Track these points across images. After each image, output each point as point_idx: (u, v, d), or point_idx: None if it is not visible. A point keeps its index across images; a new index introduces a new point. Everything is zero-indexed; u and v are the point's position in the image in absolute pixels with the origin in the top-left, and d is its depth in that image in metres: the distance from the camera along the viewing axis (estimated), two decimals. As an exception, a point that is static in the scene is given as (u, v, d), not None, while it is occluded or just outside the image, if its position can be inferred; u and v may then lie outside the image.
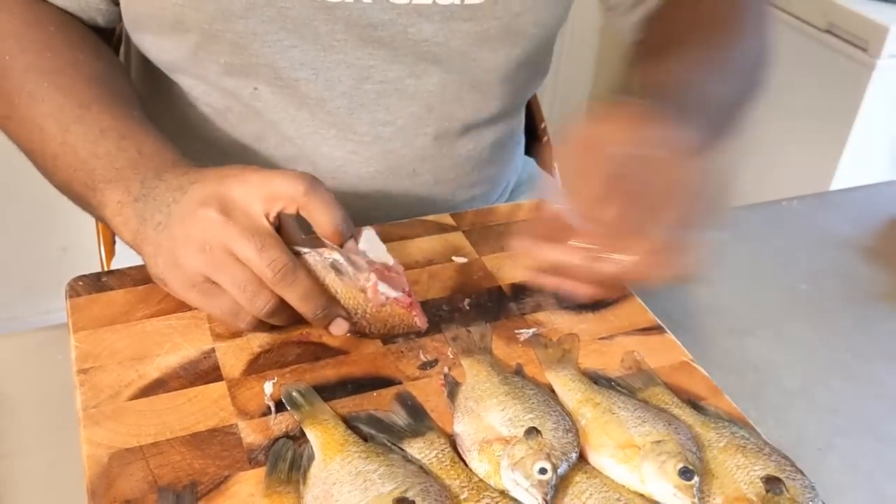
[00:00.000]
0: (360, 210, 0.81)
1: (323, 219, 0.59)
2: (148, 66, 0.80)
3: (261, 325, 0.61)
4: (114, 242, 1.01)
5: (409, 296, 0.61)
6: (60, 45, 0.72)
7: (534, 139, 1.14)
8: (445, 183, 0.84)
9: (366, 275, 0.60)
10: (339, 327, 0.61)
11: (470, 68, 0.77)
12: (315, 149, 0.78)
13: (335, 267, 0.60)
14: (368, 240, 0.62)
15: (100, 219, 0.67)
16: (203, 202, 0.58)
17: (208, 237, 0.57)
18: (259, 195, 0.58)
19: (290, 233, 0.61)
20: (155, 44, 0.76)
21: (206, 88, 0.77)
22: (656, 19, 0.84)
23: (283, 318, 0.60)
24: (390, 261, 0.62)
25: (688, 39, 0.77)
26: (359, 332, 0.62)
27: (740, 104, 0.75)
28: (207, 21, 0.70)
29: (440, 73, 0.77)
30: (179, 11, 0.70)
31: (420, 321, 0.62)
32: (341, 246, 0.60)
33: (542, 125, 1.16)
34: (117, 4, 0.76)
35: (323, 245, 0.60)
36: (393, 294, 0.60)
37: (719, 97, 0.72)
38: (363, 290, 0.60)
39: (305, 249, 0.60)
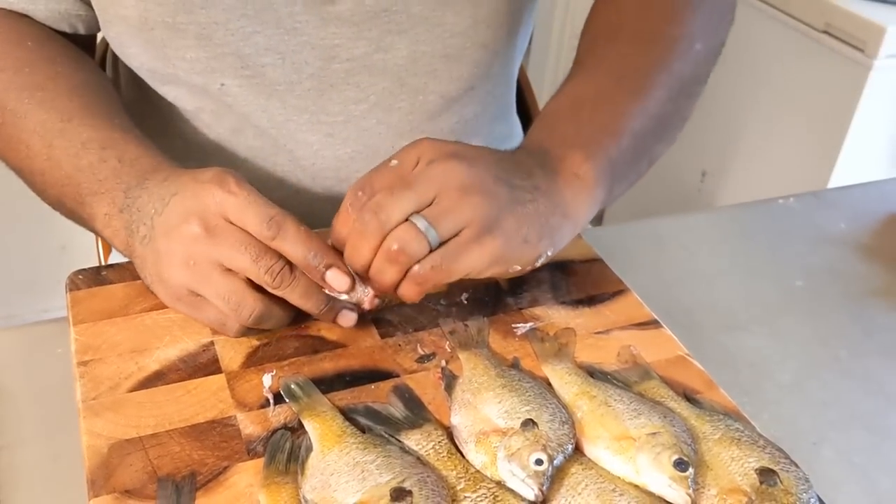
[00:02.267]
0: (344, 192, 0.81)
1: (293, 257, 0.59)
2: (132, 75, 0.80)
3: (249, 331, 0.62)
4: (112, 239, 1.02)
5: None
6: (39, 60, 0.73)
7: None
8: None
9: (363, 288, 0.61)
10: (347, 319, 0.62)
11: (438, 35, 0.76)
12: (290, 136, 0.78)
13: None
14: None
15: (92, 231, 0.68)
16: (184, 218, 0.59)
17: (192, 252, 0.58)
18: (234, 219, 0.59)
19: None
20: (127, 48, 0.76)
21: (179, 91, 0.77)
22: (595, 18, 0.80)
23: (271, 324, 0.61)
24: None
25: (615, 61, 0.73)
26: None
27: (653, 144, 0.72)
28: (170, 14, 0.70)
29: (408, 44, 0.76)
30: (143, 8, 0.70)
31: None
32: (319, 278, 0.60)
33: (540, 124, 1.16)
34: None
35: None
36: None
37: (620, 145, 0.68)
38: (360, 303, 0.61)
39: None
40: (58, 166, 0.67)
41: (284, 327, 0.63)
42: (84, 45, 0.79)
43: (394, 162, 0.60)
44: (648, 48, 0.73)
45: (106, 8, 0.73)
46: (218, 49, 0.72)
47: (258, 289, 0.59)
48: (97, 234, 0.67)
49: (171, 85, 0.77)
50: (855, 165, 1.56)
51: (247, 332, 0.62)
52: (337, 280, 0.59)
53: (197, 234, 0.58)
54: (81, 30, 0.77)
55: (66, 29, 0.76)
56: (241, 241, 0.58)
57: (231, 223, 0.58)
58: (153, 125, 0.72)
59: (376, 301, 0.61)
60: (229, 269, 0.59)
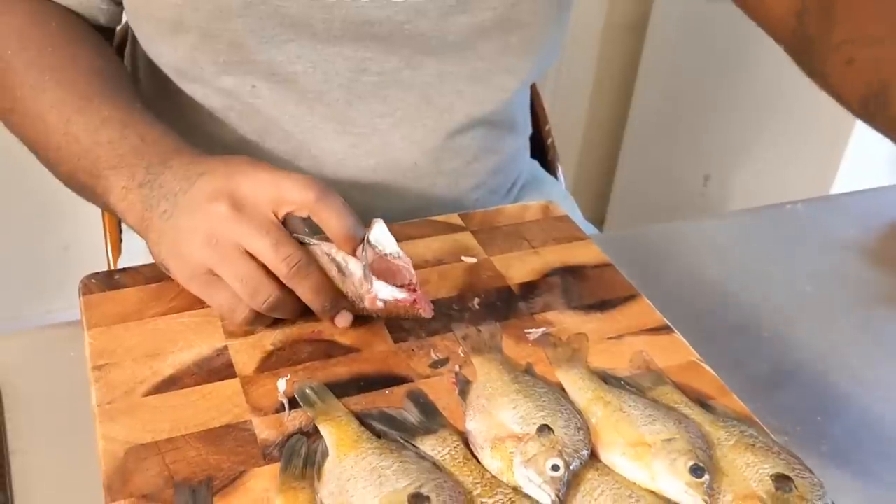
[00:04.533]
0: (364, 202, 0.81)
1: (335, 225, 0.60)
2: (153, 69, 0.81)
3: (256, 321, 0.62)
4: (120, 241, 1.02)
5: (414, 290, 0.62)
6: (62, 41, 0.73)
7: (538, 142, 1.15)
8: (448, 174, 0.84)
9: (367, 286, 0.61)
10: (345, 319, 0.63)
11: (466, 58, 0.78)
12: (315, 143, 0.79)
13: (339, 268, 0.61)
14: (379, 231, 0.62)
15: (104, 206, 0.68)
16: (213, 196, 0.59)
17: (217, 231, 0.58)
18: (269, 195, 0.59)
19: (294, 227, 0.61)
20: (154, 46, 0.77)
21: (205, 90, 0.78)
22: None
23: (283, 312, 0.62)
24: (399, 252, 0.62)
25: None
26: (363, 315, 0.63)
27: None
28: (205, 21, 0.70)
29: (437, 63, 0.77)
30: (178, 12, 0.70)
31: (425, 312, 0.62)
32: (353, 251, 0.61)
33: (547, 128, 1.17)
34: (119, 4, 0.77)
35: (328, 240, 0.61)
36: (393, 297, 0.60)
37: None
38: (361, 299, 0.61)
39: (312, 241, 0.61)
40: (75, 141, 0.67)
41: (296, 330, 0.63)
42: (104, 33, 0.79)
43: None
44: None
45: (137, 7, 0.73)
46: (250, 55, 0.73)
47: (275, 276, 0.59)
48: (109, 208, 0.67)
49: (199, 84, 0.77)
50: (858, 170, 1.56)
51: (252, 321, 0.61)
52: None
53: (224, 212, 0.58)
54: (102, 21, 0.78)
55: (86, 18, 0.77)
56: (264, 225, 0.58)
57: (261, 205, 0.59)
58: (173, 121, 0.72)
59: (378, 304, 0.61)
60: (250, 253, 0.59)
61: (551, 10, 0.79)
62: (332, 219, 0.59)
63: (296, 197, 0.59)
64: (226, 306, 0.61)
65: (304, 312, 0.63)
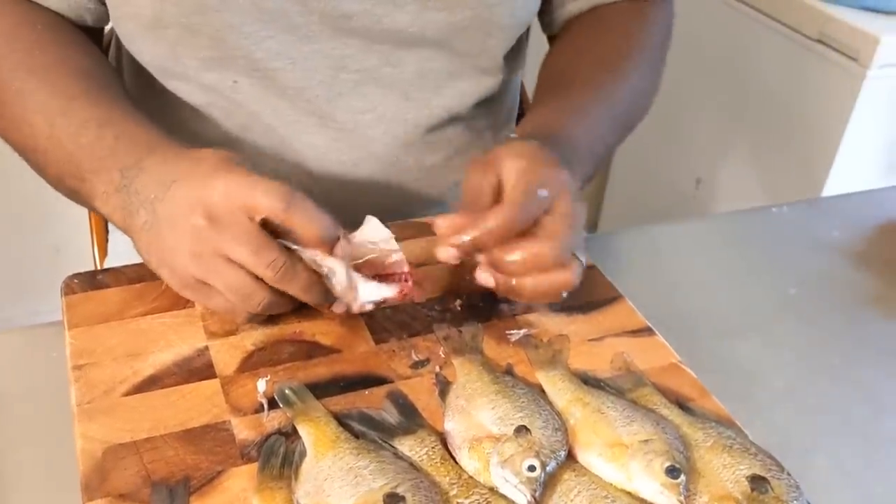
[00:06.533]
0: (346, 197, 0.82)
1: (307, 230, 0.59)
2: (137, 69, 0.81)
3: (256, 316, 0.62)
4: (107, 241, 1.02)
5: (406, 279, 0.62)
6: (48, 43, 0.73)
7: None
8: (430, 169, 0.85)
9: (352, 295, 0.61)
10: (339, 306, 0.62)
11: (445, 55, 0.78)
12: (297, 137, 0.79)
13: (325, 276, 0.61)
14: (372, 227, 0.63)
15: (92, 209, 0.68)
16: (189, 209, 0.58)
17: (198, 245, 0.58)
18: (242, 202, 0.58)
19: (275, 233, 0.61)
20: (137, 44, 0.77)
21: (188, 87, 0.78)
22: (557, 54, 0.87)
23: (279, 309, 0.62)
24: (395, 245, 0.63)
25: (582, 80, 0.81)
26: None
27: (614, 144, 0.82)
28: (185, 15, 0.71)
29: (416, 61, 0.78)
30: (159, 8, 0.71)
31: (416, 297, 0.64)
32: (329, 253, 0.60)
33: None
34: (105, 4, 0.77)
35: None
36: (381, 296, 0.61)
37: (599, 143, 0.76)
38: (349, 303, 0.61)
39: (296, 247, 0.60)
40: (59, 145, 0.67)
41: (277, 331, 0.63)
42: (91, 36, 0.79)
43: (543, 193, 0.62)
44: (612, 84, 0.82)
45: (119, 5, 0.73)
46: (230, 51, 0.73)
47: None
48: (97, 211, 0.67)
49: (182, 81, 0.77)
50: (848, 174, 1.57)
51: (254, 317, 0.62)
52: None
53: (202, 225, 0.58)
54: (89, 22, 0.78)
55: (74, 19, 0.77)
56: (243, 234, 0.58)
57: (236, 212, 0.58)
58: (158, 120, 0.72)
59: (367, 307, 0.61)
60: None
61: (526, 12, 0.80)
62: (305, 224, 0.58)
63: (265, 206, 0.58)
64: (224, 310, 0.61)
65: (290, 323, 0.64)
